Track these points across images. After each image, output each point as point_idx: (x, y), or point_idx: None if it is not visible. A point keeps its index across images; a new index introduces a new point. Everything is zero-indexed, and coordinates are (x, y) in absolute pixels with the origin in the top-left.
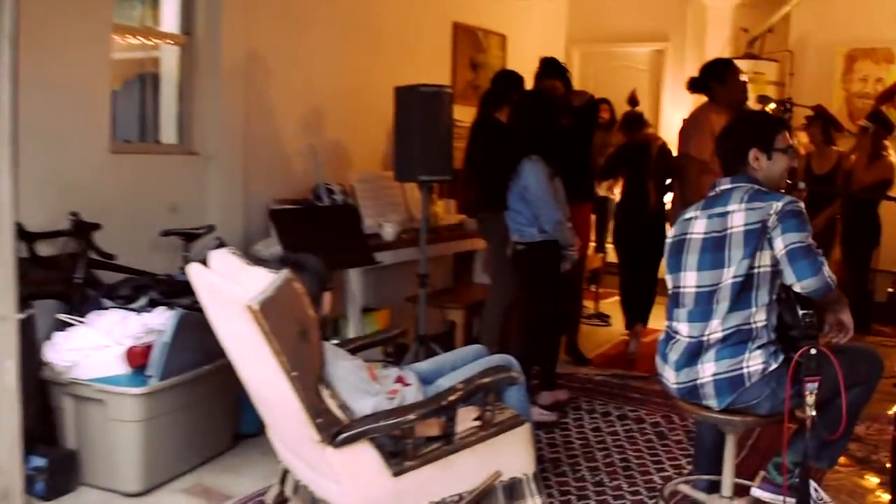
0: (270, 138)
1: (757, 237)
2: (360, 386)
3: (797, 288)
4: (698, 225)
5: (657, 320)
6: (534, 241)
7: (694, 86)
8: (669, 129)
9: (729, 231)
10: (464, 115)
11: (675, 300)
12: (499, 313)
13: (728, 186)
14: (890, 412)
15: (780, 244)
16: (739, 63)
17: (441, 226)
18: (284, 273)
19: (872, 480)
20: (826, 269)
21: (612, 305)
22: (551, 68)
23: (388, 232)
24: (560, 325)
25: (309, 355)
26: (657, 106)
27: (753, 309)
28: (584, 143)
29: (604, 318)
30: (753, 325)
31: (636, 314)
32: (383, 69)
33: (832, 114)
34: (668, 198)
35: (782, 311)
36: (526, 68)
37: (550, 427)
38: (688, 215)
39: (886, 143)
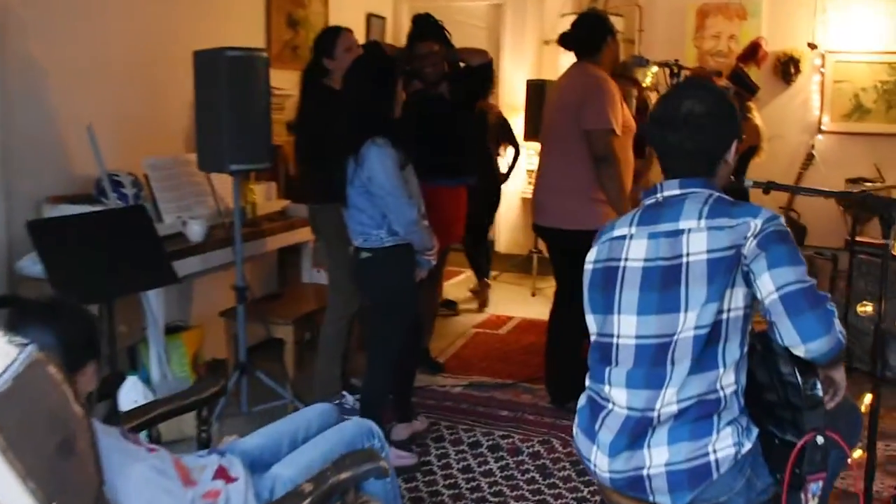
0: (37, 119)
1: (728, 270)
2: (163, 500)
3: (799, 352)
4: (635, 248)
5: None
6: (382, 246)
7: (582, 43)
8: (512, 93)
9: (684, 260)
10: (282, 80)
11: (603, 354)
12: (340, 328)
13: (676, 192)
14: None
15: (768, 285)
16: None
17: (260, 216)
18: (31, 350)
19: None
20: (837, 322)
21: (456, 287)
22: (426, 27)
23: (195, 231)
24: (417, 343)
25: (76, 474)
26: (497, 63)
27: (721, 370)
28: (465, 112)
29: (451, 306)
30: (721, 393)
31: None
32: (183, 28)
33: (748, 76)
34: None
35: (754, 368)
36: (352, 23)
37: (411, 471)
38: (617, 232)
39: (750, 104)
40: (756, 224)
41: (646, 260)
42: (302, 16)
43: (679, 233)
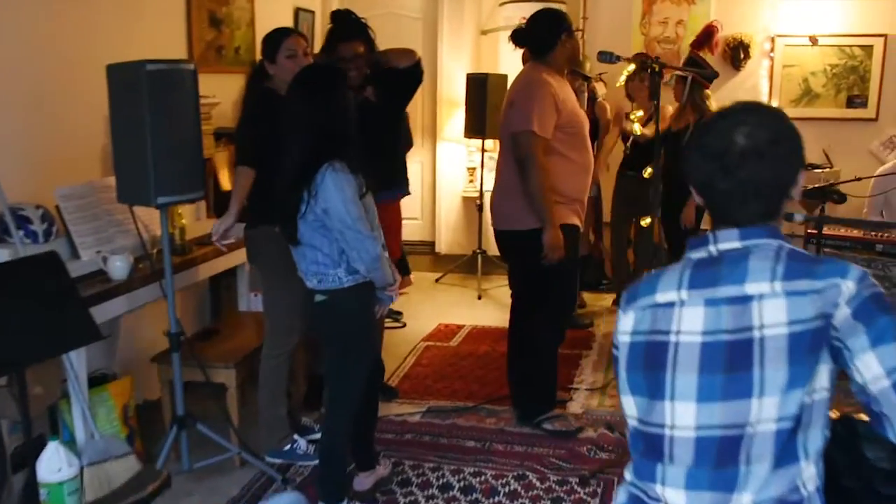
0: None
1: (815, 347)
2: None
3: None
4: (690, 318)
5: None
6: (340, 287)
7: (533, 42)
8: (451, 87)
9: (756, 334)
10: (207, 86)
11: (651, 447)
12: (280, 363)
13: (737, 245)
14: None
15: (873, 368)
16: (523, 7)
17: (190, 241)
18: None
19: None
20: None
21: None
22: (348, 26)
23: (118, 268)
24: (377, 385)
25: None
26: (435, 60)
27: (802, 463)
28: (395, 118)
29: (397, 317)
30: (803, 492)
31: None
32: (94, 35)
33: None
34: None
35: (832, 453)
36: (279, 19)
37: None
38: (661, 297)
39: (708, 92)
40: (848, 287)
41: (705, 333)
42: (225, 13)
43: (747, 299)
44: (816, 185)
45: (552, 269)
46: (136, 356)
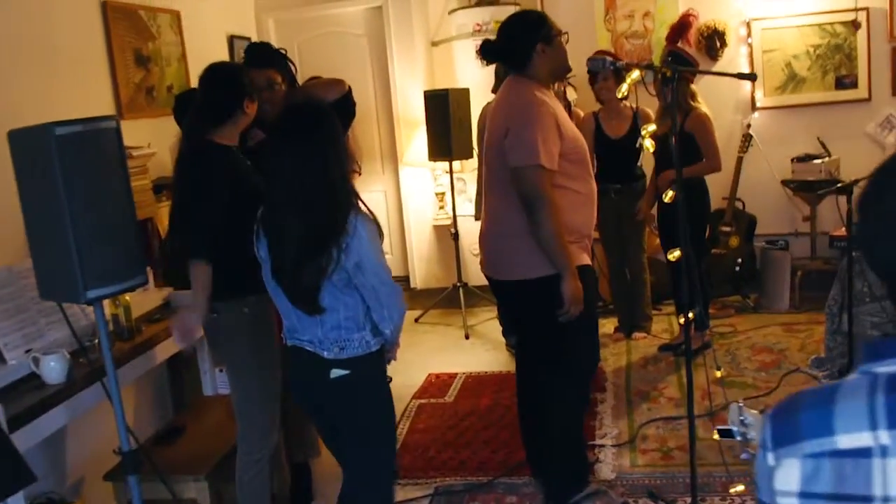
0: None
1: None
2: None
3: None
4: None
5: None
6: (367, 353)
7: (506, 55)
8: (407, 107)
9: None
10: (140, 134)
11: None
12: (261, 470)
13: None
14: None
15: None
16: (475, 12)
17: (138, 320)
18: None
19: None
20: None
21: None
22: (261, 56)
23: (53, 370)
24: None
25: None
26: (386, 78)
27: None
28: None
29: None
30: None
31: None
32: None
33: (688, 54)
34: None
35: None
36: (213, 51)
37: None
38: (845, 441)
39: (693, 88)
40: None
41: None
42: (152, 50)
43: None
44: (819, 178)
45: (570, 323)
46: (89, 470)
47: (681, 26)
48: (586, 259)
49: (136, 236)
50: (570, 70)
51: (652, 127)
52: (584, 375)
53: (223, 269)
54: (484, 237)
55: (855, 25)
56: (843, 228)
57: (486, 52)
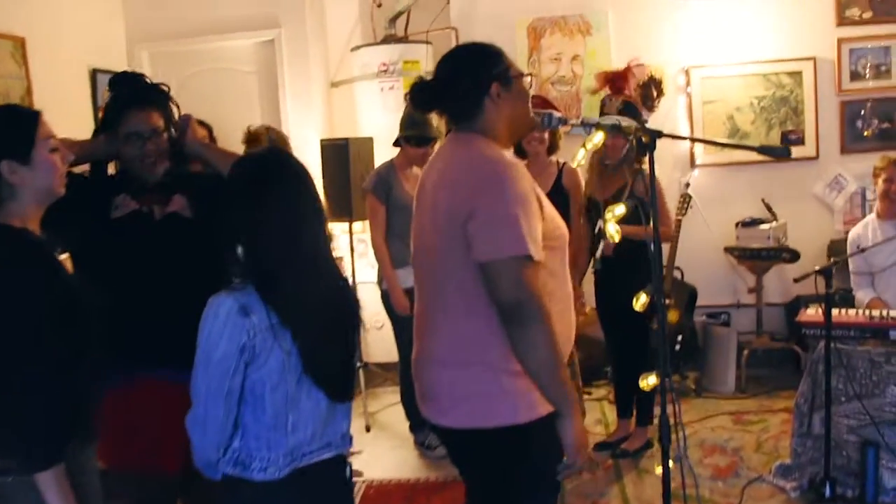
0: None
1: None
2: None
3: None
4: None
5: None
6: None
7: (447, 103)
8: (301, 155)
9: None
10: None
11: None
12: None
13: None
14: None
15: None
16: (381, 50)
17: None
18: None
19: None
20: None
21: None
22: (138, 92)
23: None
24: None
25: None
26: (279, 122)
27: None
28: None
29: None
30: None
31: None
32: None
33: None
34: None
35: None
36: (69, 87)
37: None
38: None
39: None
40: None
41: None
42: None
43: None
44: (766, 246)
45: (533, 485)
46: None
47: (620, 79)
48: None
49: None
50: (534, 125)
51: (620, 209)
52: None
53: None
54: (421, 365)
55: None
56: (818, 311)
57: (421, 95)
